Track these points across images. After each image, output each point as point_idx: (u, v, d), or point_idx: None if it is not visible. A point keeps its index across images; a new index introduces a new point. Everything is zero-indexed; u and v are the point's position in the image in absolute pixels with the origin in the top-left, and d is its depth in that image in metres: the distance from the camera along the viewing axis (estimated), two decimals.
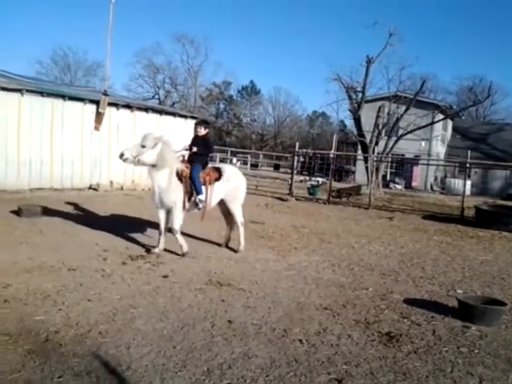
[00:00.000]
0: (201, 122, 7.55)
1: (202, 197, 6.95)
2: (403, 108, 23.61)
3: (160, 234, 6.93)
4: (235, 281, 5.73)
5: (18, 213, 8.79)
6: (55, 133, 13.15)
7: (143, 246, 7.25)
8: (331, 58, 75.72)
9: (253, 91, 67.69)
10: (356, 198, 18.02)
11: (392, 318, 4.85)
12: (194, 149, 7.02)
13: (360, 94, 24.23)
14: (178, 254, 6.81)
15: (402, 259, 7.80)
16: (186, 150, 7.16)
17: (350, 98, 24.95)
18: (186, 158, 7.20)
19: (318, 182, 22.41)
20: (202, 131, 7.25)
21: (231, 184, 7.39)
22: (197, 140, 7.27)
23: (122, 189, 14.40)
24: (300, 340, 4.11)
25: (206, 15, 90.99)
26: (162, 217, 6.96)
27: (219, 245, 7.65)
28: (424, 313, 5.09)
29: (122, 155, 6.61)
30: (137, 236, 7.85)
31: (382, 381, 3.47)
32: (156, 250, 6.86)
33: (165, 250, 6.93)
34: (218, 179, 7.17)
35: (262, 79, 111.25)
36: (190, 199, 6.94)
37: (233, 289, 5.42)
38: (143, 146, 6.57)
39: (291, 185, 17.64)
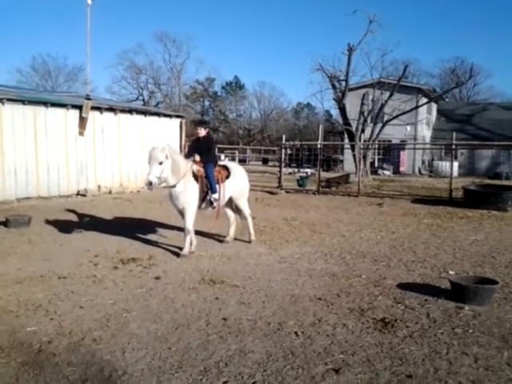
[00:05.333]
0: (199, 123, 7.53)
1: (216, 195, 7.08)
2: (387, 94, 23.66)
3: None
4: (228, 277, 5.72)
5: (5, 224, 8.68)
6: (39, 140, 12.99)
7: (149, 246, 7.21)
8: (313, 48, 75.55)
9: (237, 86, 67.41)
10: (345, 186, 18.06)
11: (386, 304, 4.87)
12: (197, 158, 7.03)
13: (343, 83, 24.24)
14: (172, 252, 6.88)
15: (393, 244, 7.84)
16: (194, 161, 7.03)
17: (333, 87, 24.96)
18: (198, 158, 7.10)
19: (306, 173, 22.46)
20: (203, 132, 7.27)
21: (238, 181, 7.60)
22: (199, 142, 7.30)
23: (110, 193, 14.29)
24: (295, 332, 4.11)
25: (186, 13, 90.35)
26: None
27: (221, 241, 7.76)
28: (417, 296, 5.12)
29: (150, 183, 6.29)
30: (127, 239, 7.80)
31: (379, 367, 3.49)
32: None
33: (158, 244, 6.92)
34: (227, 177, 7.34)
35: (246, 74, 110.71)
36: (205, 198, 7.02)
37: (226, 286, 5.41)
38: (161, 163, 6.36)
39: (280, 178, 17.64)
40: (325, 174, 20.60)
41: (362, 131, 23.04)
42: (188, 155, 7.33)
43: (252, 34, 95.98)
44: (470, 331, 4.17)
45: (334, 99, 26.22)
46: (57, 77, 56.15)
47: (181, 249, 6.89)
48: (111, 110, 15.04)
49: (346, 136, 26.32)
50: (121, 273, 5.91)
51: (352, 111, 24.66)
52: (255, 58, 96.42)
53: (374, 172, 27.21)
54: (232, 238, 7.79)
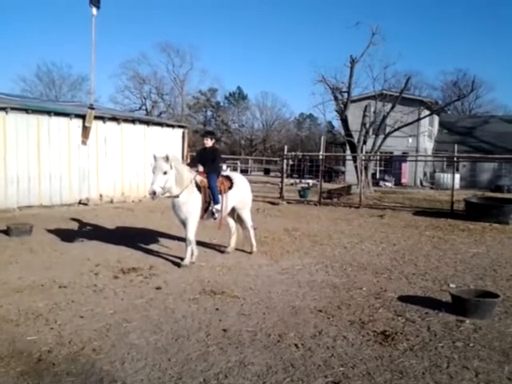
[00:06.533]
0: (206, 134, 7.59)
1: (218, 206, 7.09)
2: (389, 106, 23.75)
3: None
4: (229, 288, 5.71)
5: (7, 232, 8.69)
6: (42, 149, 13.07)
7: (153, 256, 7.22)
8: (316, 59, 76.03)
9: (240, 97, 67.76)
10: (347, 197, 18.07)
11: (387, 317, 4.86)
12: (201, 168, 7.09)
13: (346, 95, 24.35)
14: (173, 263, 6.89)
15: (394, 257, 7.82)
16: (197, 171, 7.08)
17: (335, 98, 25.06)
18: (201, 169, 7.16)
19: (308, 184, 22.49)
20: (209, 143, 7.32)
21: (241, 191, 7.61)
22: (205, 152, 7.35)
23: (111, 202, 14.33)
24: (296, 344, 4.09)
25: (189, 23, 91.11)
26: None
27: (222, 251, 7.74)
28: (418, 309, 5.10)
29: (154, 193, 6.26)
30: (128, 249, 7.80)
31: (379, 381, 3.47)
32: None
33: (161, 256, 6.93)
34: (230, 187, 7.36)
35: (249, 84, 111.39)
36: (207, 209, 7.02)
37: (227, 297, 5.40)
38: (165, 173, 6.35)
39: (282, 188, 17.68)
40: (326, 185, 20.60)
41: (364, 143, 23.11)
42: (192, 165, 7.37)
43: (255, 45, 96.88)
44: (471, 345, 4.15)
45: (336, 110, 26.30)
46: (61, 86, 56.57)
47: (182, 259, 6.89)
48: (114, 119, 15.14)
49: (347, 147, 26.41)
50: (121, 282, 5.90)
51: (354, 123, 24.75)
52: (258, 69, 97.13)
53: (376, 184, 27.21)
54: (233, 248, 7.78)
